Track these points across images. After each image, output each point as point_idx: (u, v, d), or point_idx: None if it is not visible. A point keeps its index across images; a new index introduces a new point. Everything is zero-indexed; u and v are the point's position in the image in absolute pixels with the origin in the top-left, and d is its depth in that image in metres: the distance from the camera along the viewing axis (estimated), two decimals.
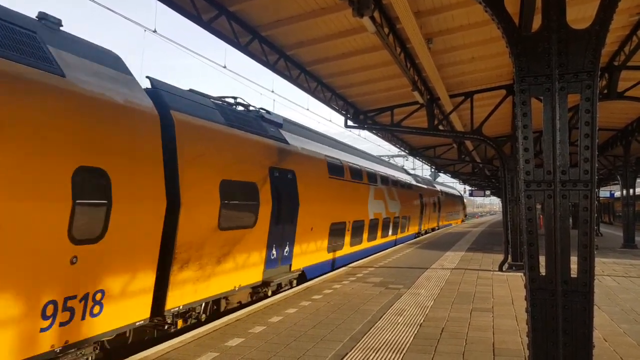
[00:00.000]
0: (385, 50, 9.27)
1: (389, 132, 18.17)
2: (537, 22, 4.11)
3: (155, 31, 9.32)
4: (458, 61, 10.89)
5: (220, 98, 10.31)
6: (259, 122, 10.65)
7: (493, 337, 6.62)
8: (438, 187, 40.10)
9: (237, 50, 8.77)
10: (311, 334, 6.81)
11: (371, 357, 5.77)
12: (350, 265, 14.83)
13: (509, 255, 13.63)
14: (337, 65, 10.87)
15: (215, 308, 8.79)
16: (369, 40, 9.36)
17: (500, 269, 13.33)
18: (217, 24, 7.97)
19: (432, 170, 38.21)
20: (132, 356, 5.60)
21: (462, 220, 58.17)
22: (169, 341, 6.35)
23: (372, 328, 7.17)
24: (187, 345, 6.21)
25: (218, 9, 7.77)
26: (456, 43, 9.79)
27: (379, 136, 18.27)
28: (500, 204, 22.09)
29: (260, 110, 11.45)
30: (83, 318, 5.57)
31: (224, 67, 11.51)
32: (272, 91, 15.56)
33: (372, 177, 17.78)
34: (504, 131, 18.14)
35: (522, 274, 12.23)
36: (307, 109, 17.49)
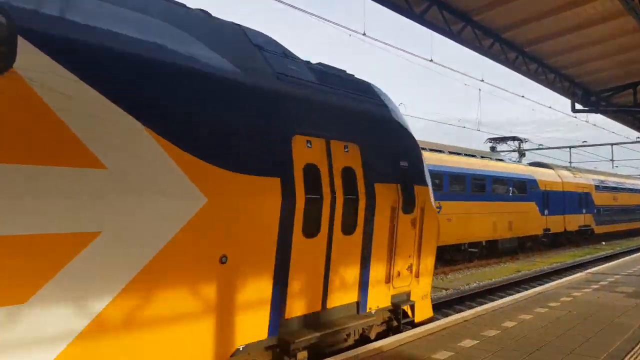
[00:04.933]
0: (624, 18, 7.76)
1: (629, 115, 15.13)
2: None
3: (364, 34, 9.63)
4: None
5: None
6: None
7: None
8: None
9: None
10: (557, 345, 5.95)
11: None
12: (588, 271, 12.78)
13: None
14: (563, 41, 9.54)
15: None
16: (603, 7, 7.93)
17: None
18: (428, 15, 7.80)
19: None
20: (368, 345, 5.76)
21: None
22: (402, 334, 6.35)
23: (637, 347, 5.88)
24: (418, 341, 6.10)
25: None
26: None
27: (618, 121, 15.34)
28: None
29: None
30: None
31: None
32: (481, 80, 14.62)
33: None
34: None
35: None
36: (522, 96, 15.58)
